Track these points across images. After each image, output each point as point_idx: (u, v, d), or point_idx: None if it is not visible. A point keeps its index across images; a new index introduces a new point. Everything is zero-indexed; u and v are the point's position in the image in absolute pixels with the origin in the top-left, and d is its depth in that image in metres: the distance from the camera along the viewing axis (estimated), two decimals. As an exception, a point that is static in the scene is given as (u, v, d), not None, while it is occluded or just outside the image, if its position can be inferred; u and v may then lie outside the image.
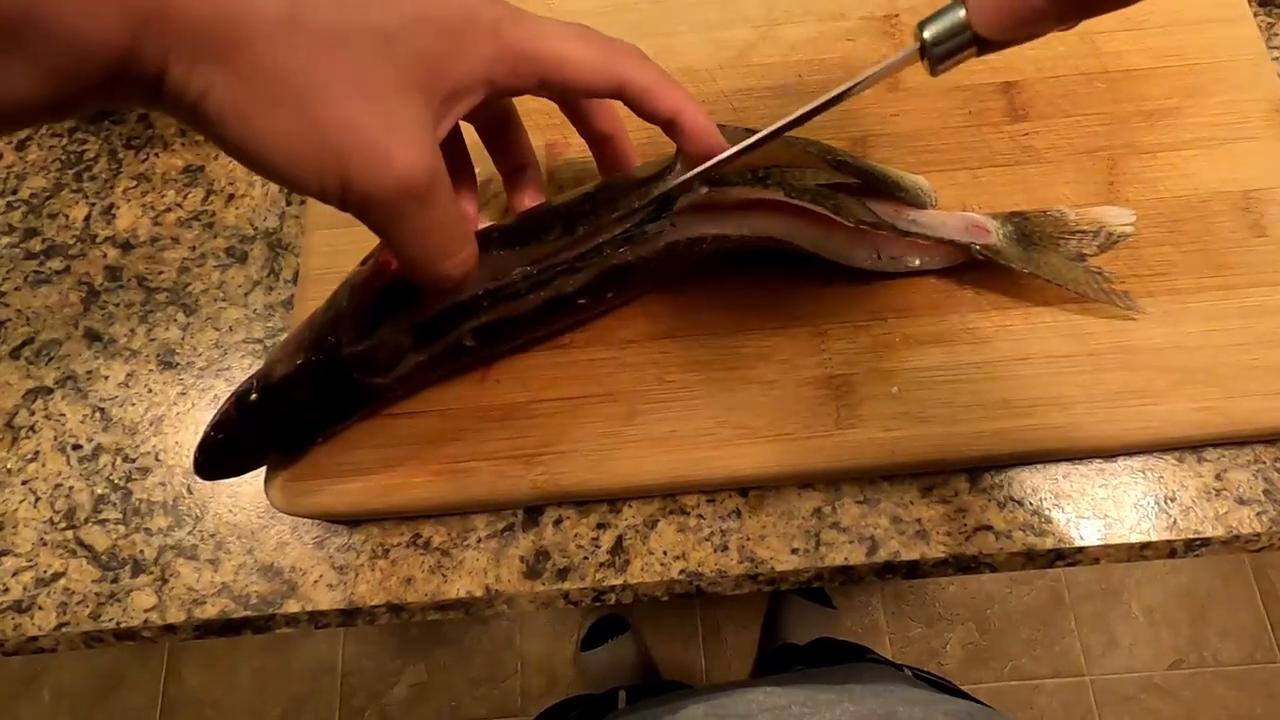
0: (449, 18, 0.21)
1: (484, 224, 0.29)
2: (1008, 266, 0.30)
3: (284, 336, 0.36)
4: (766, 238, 0.30)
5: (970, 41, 0.22)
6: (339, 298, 0.28)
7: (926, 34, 0.22)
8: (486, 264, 0.26)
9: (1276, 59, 0.38)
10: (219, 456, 0.28)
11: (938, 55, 0.22)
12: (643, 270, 0.29)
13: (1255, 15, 0.37)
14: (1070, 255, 0.31)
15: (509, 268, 0.28)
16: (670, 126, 0.25)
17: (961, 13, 0.22)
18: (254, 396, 0.28)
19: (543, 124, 0.34)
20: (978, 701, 0.45)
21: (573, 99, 0.27)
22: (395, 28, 0.20)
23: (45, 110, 0.17)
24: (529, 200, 0.30)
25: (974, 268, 0.31)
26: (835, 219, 0.29)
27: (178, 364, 0.36)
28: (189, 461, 0.29)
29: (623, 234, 0.28)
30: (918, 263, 0.31)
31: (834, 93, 0.25)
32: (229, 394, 0.29)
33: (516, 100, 0.27)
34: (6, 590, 0.32)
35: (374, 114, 0.19)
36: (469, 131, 0.28)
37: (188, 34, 0.17)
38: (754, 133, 0.26)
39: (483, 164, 0.29)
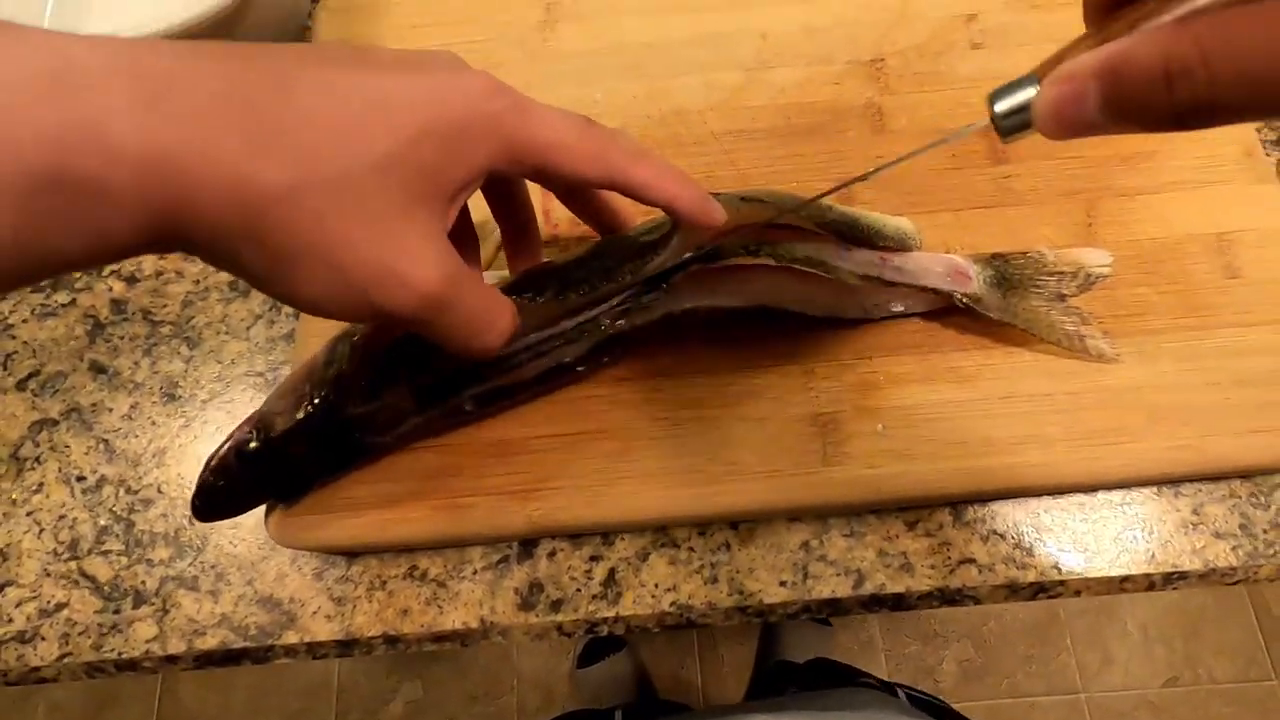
0: (453, 121, 0.21)
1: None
2: (987, 315, 0.31)
3: (285, 373, 0.36)
4: (759, 305, 0.31)
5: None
6: (340, 354, 0.29)
7: (996, 108, 0.21)
8: None
9: (1251, 102, 0.39)
10: (216, 502, 0.29)
11: (1006, 129, 0.22)
12: (638, 338, 0.31)
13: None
14: (1049, 296, 0.32)
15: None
16: (668, 211, 0.26)
17: (1031, 92, 0.21)
18: (253, 445, 0.29)
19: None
20: None
21: (568, 187, 0.28)
22: (399, 150, 0.21)
23: (88, 263, 0.19)
24: (528, 258, 0.31)
25: (956, 310, 0.32)
26: (824, 278, 0.30)
27: (180, 396, 0.37)
28: (190, 494, 0.30)
29: (620, 304, 0.30)
30: (901, 308, 0.32)
31: (890, 162, 0.26)
32: (230, 430, 0.30)
33: None
34: (10, 620, 0.33)
35: (384, 244, 0.21)
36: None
37: (207, 218, 0.19)
38: (747, 198, 0.27)
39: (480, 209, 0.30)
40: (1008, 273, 0.32)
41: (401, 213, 0.21)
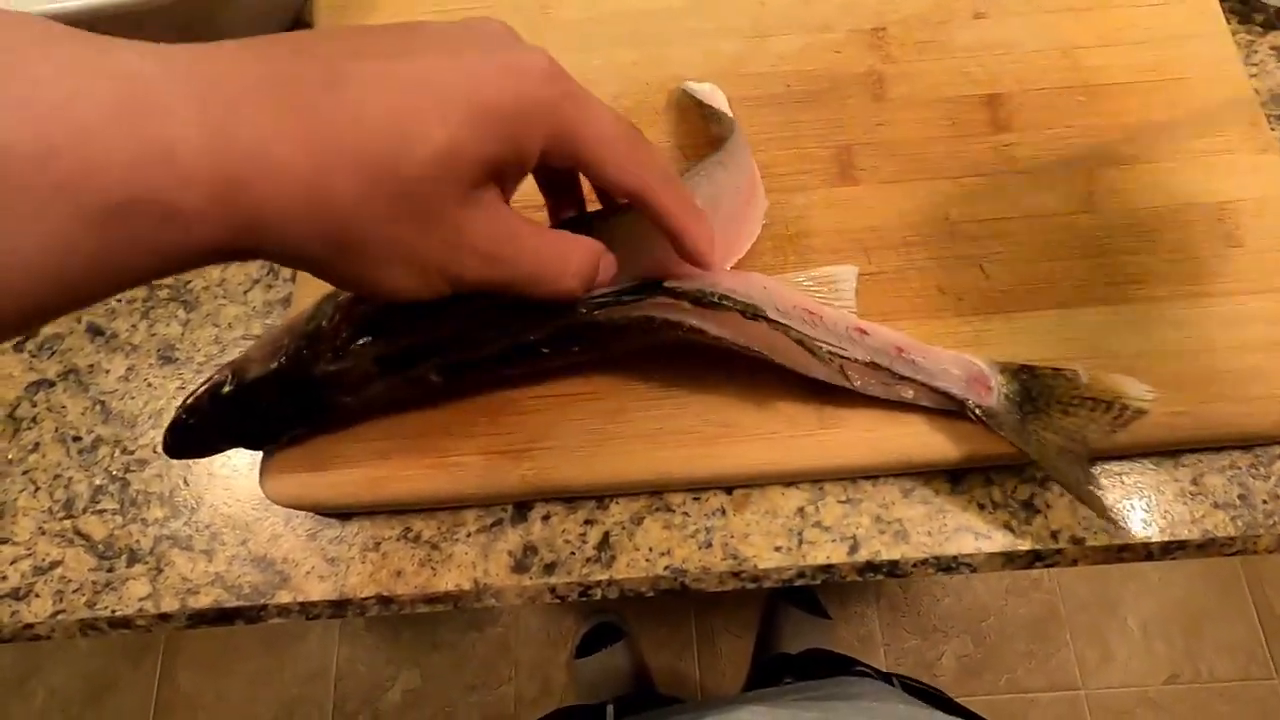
0: (509, 107, 0.21)
1: None
2: (999, 433, 0.29)
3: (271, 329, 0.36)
4: (745, 347, 0.29)
5: None
6: (323, 311, 0.29)
7: None
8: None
9: (1254, 74, 0.39)
10: (186, 439, 0.29)
11: None
12: (611, 331, 0.29)
13: (1235, 33, 0.38)
14: (1073, 434, 0.29)
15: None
16: (673, 242, 0.26)
17: None
18: (226, 389, 0.28)
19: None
20: (968, 713, 0.45)
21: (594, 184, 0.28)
22: (458, 140, 0.20)
23: (158, 276, 0.20)
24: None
25: (953, 272, 0.32)
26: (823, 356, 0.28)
27: (177, 359, 0.37)
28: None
29: (600, 297, 0.28)
30: (910, 395, 0.30)
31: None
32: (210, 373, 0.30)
33: None
34: (5, 578, 0.33)
35: (454, 229, 0.22)
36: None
37: (282, 232, 0.20)
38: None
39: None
40: (1034, 390, 0.29)
41: (463, 201, 0.21)
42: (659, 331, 0.29)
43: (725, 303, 0.28)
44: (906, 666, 1.14)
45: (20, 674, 1.17)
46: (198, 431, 0.29)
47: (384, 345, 0.28)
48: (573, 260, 0.25)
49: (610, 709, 0.58)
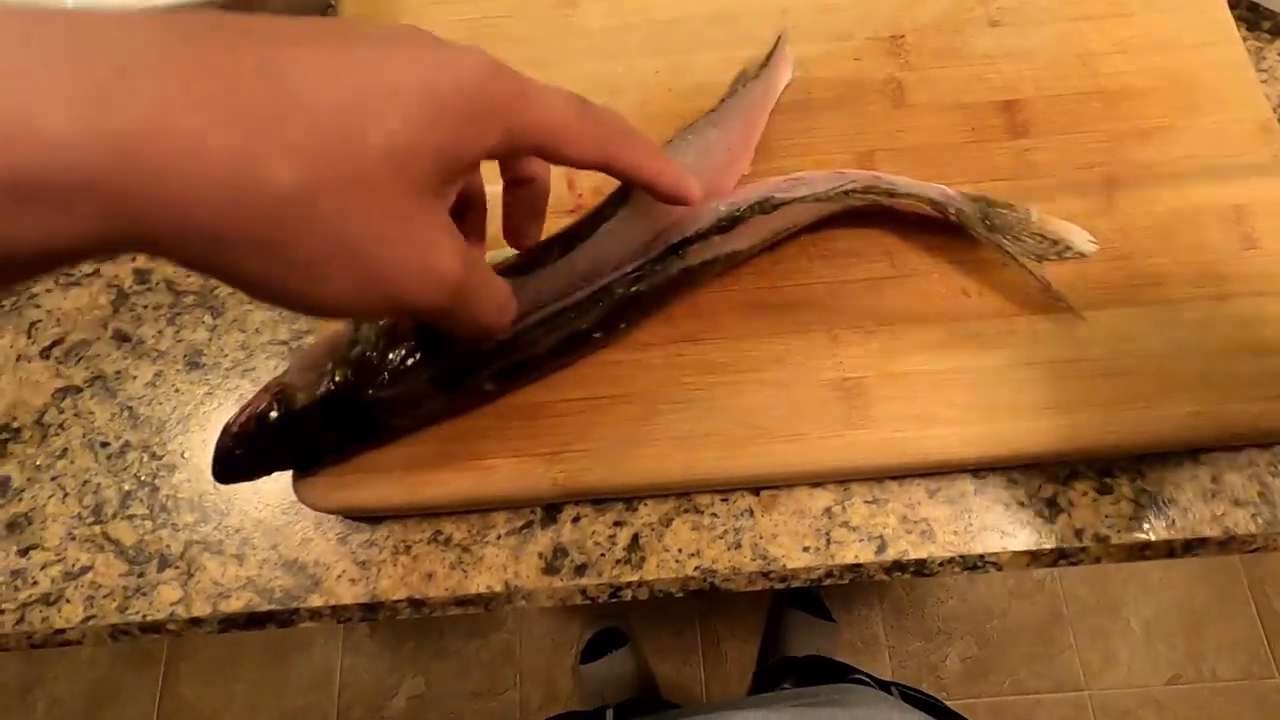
0: (465, 103, 0.20)
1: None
2: (971, 232, 0.33)
3: (308, 342, 0.37)
4: (776, 234, 0.32)
5: None
6: (364, 336, 0.29)
7: None
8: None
9: (1264, 80, 0.39)
10: (235, 467, 0.30)
11: None
12: (656, 297, 0.31)
13: (1244, 40, 0.39)
14: (1025, 253, 0.32)
15: (524, 308, 0.29)
16: (648, 190, 0.26)
17: None
18: (274, 416, 0.29)
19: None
20: None
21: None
22: (414, 136, 0.19)
23: (37, 265, 0.17)
24: (536, 237, 0.30)
25: (977, 274, 0.33)
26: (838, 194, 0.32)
27: (204, 364, 0.37)
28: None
29: (633, 271, 0.30)
30: (906, 204, 0.34)
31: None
32: (252, 394, 0.30)
33: None
34: (35, 583, 0.33)
35: (412, 238, 0.20)
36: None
37: (193, 222, 0.17)
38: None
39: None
40: (990, 216, 0.33)
41: (419, 203, 0.20)
42: (700, 276, 0.32)
43: (743, 212, 0.30)
44: (911, 668, 1.14)
45: (22, 684, 1.16)
46: (246, 458, 0.29)
47: (436, 364, 0.29)
48: (506, 292, 0.25)
49: (610, 714, 0.58)
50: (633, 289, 0.30)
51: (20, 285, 0.39)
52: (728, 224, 0.30)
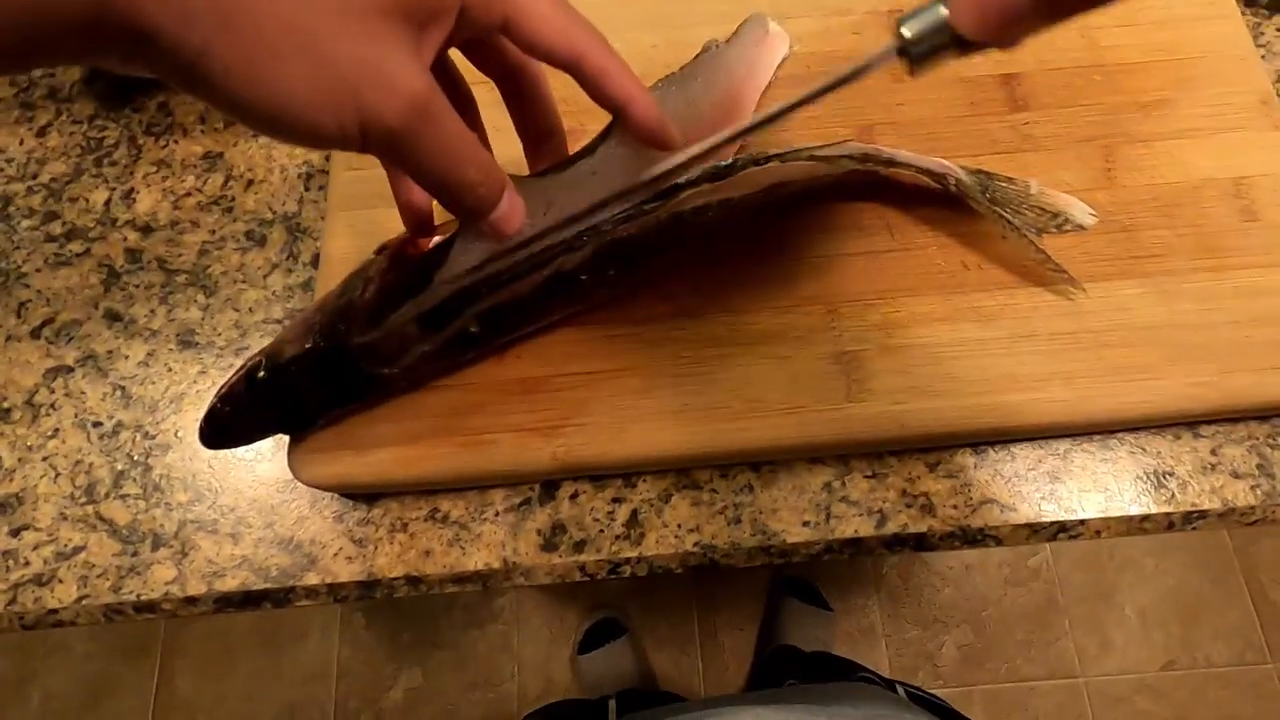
0: None
1: None
2: (971, 203, 0.33)
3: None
4: (769, 188, 0.31)
5: (951, 42, 0.21)
6: (352, 286, 0.29)
7: (906, 32, 0.21)
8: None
9: (1263, 54, 0.39)
10: (224, 428, 0.29)
11: (917, 55, 0.21)
12: (645, 244, 0.30)
13: (1243, 14, 0.39)
14: (1025, 226, 0.32)
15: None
16: (621, 114, 0.25)
17: (942, 10, 0.20)
18: (262, 374, 0.28)
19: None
20: None
21: (528, 72, 0.27)
22: None
23: (13, 56, 0.17)
24: (543, 139, 0.29)
25: (977, 247, 0.33)
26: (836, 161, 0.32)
27: (197, 344, 0.36)
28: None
29: (623, 213, 0.29)
30: (907, 176, 0.34)
31: (808, 92, 0.25)
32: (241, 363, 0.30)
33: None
34: (27, 564, 0.33)
35: (371, 44, 0.20)
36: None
37: (166, 4, 0.17)
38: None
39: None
40: (990, 189, 0.33)
41: (383, 18, 0.20)
42: (689, 225, 0.31)
43: (736, 163, 0.30)
44: (908, 657, 1.14)
45: (17, 678, 1.15)
46: (235, 419, 0.29)
47: (419, 304, 0.28)
48: (490, 169, 0.23)
49: (612, 704, 0.58)
50: (621, 229, 0.29)
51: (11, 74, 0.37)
52: (719, 173, 0.30)
